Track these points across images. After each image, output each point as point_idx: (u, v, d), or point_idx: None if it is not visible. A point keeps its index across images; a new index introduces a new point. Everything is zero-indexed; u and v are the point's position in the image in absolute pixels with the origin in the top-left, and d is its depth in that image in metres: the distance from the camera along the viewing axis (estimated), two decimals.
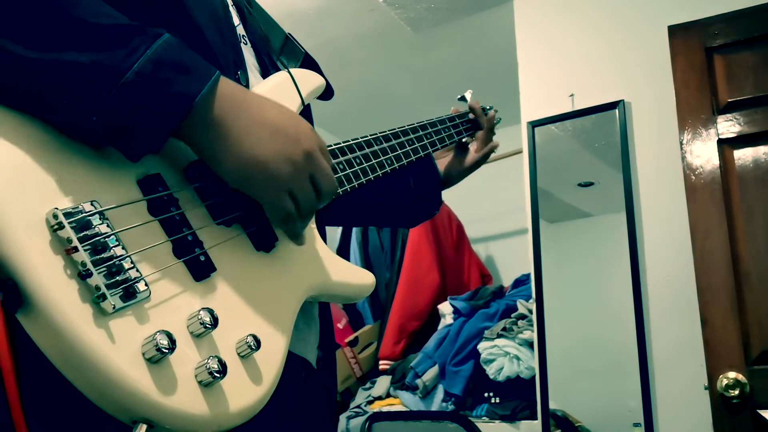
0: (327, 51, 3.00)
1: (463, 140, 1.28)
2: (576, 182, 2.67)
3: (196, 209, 0.67)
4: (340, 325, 3.12)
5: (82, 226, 0.55)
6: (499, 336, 2.55)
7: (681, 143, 2.14)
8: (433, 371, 2.67)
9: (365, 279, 0.86)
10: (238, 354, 0.63)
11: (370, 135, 1.00)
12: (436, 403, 2.65)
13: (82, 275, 0.54)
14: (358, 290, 0.85)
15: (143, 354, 0.55)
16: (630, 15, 2.43)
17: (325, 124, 3.29)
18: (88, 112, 0.57)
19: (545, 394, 2.28)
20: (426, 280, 3.08)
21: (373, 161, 0.97)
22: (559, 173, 2.64)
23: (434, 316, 3.03)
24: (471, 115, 1.30)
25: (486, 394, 2.56)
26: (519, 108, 2.59)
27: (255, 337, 0.63)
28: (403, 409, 2.68)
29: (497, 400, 2.52)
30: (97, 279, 0.54)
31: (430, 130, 1.16)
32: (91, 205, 0.57)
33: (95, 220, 0.56)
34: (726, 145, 2.07)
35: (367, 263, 3.35)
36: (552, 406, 2.29)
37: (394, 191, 1.19)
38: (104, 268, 0.55)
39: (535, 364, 2.34)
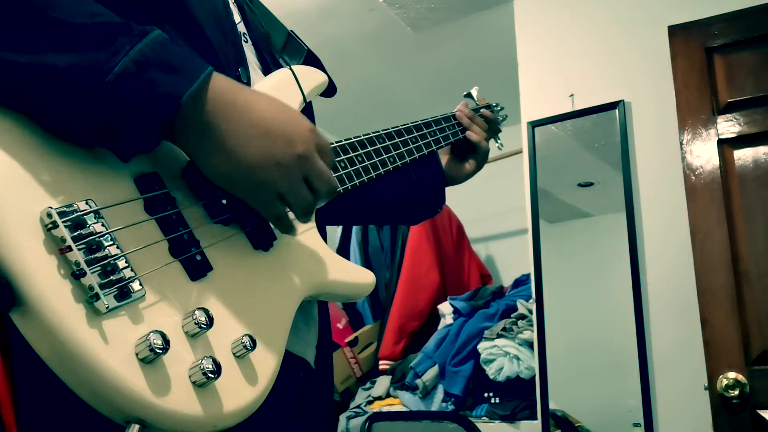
0: (327, 51, 2.98)
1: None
2: (576, 182, 2.67)
3: (193, 208, 0.67)
4: (340, 325, 3.12)
5: (77, 225, 0.55)
6: (499, 336, 2.54)
7: (681, 143, 2.14)
8: (433, 371, 2.67)
9: (365, 278, 0.86)
10: (234, 354, 0.62)
11: (373, 132, 0.99)
12: (436, 403, 2.64)
13: (76, 275, 0.53)
14: (358, 289, 0.85)
15: (137, 354, 0.54)
16: (630, 15, 2.43)
17: (325, 124, 3.28)
18: (74, 113, 0.56)
19: (545, 394, 2.28)
20: (426, 280, 3.07)
21: (375, 159, 0.96)
22: (559, 173, 2.64)
23: (434, 316, 3.03)
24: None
25: (486, 394, 2.55)
26: (519, 108, 2.59)
27: (251, 337, 0.63)
28: (403, 409, 2.68)
29: (497, 400, 2.51)
30: (91, 279, 0.54)
31: (435, 128, 1.15)
32: (86, 203, 0.57)
33: (90, 218, 0.56)
34: (726, 146, 2.07)
35: (366, 263, 3.35)
36: (552, 406, 2.28)
37: (398, 188, 1.18)
38: (98, 268, 0.55)
39: (535, 364, 2.34)
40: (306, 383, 0.84)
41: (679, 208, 2.13)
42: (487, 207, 3.58)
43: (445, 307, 2.94)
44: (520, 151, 2.65)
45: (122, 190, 0.61)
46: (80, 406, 0.53)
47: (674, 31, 2.22)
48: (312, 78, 0.90)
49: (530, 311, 2.53)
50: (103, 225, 0.57)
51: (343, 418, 2.73)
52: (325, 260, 0.81)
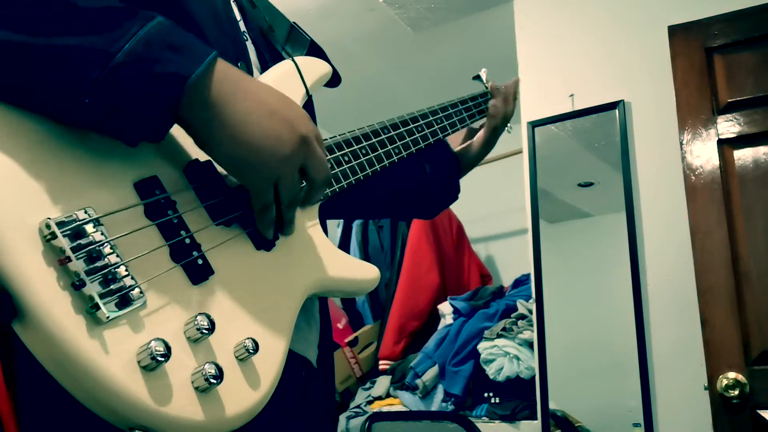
0: (327, 50, 2.98)
1: (477, 123, 1.26)
2: (576, 182, 2.67)
3: (195, 210, 0.66)
4: (340, 325, 3.12)
5: (76, 234, 0.55)
6: (499, 336, 2.54)
7: (681, 143, 2.14)
8: (433, 371, 2.67)
9: (369, 273, 0.85)
10: (237, 358, 0.62)
11: (377, 123, 0.98)
12: (436, 403, 2.65)
13: (76, 285, 0.53)
14: (362, 285, 0.84)
15: (138, 362, 0.54)
16: (630, 15, 2.43)
17: (325, 124, 3.28)
18: (81, 94, 0.56)
19: (545, 394, 2.28)
20: (426, 280, 3.07)
21: (380, 151, 0.95)
22: (559, 173, 2.64)
23: (434, 316, 3.03)
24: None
25: (486, 394, 2.55)
26: (519, 108, 2.59)
27: (253, 341, 0.63)
28: (403, 409, 2.68)
29: (497, 400, 2.51)
30: (91, 288, 0.53)
31: (441, 114, 1.14)
32: (85, 212, 0.56)
33: (89, 227, 0.56)
34: (726, 146, 2.07)
35: None
36: (552, 406, 2.29)
37: (410, 179, 1.17)
38: (99, 277, 0.55)
39: (535, 364, 2.34)
40: (308, 382, 0.84)
41: (679, 208, 2.13)
42: (487, 207, 3.58)
43: (445, 307, 2.94)
44: (520, 151, 2.65)
45: (123, 195, 0.61)
46: (85, 413, 0.53)
47: (674, 31, 2.22)
48: (315, 69, 0.89)
49: (530, 311, 2.53)
50: (102, 233, 0.57)
51: (343, 418, 2.73)
52: (328, 256, 0.80)
